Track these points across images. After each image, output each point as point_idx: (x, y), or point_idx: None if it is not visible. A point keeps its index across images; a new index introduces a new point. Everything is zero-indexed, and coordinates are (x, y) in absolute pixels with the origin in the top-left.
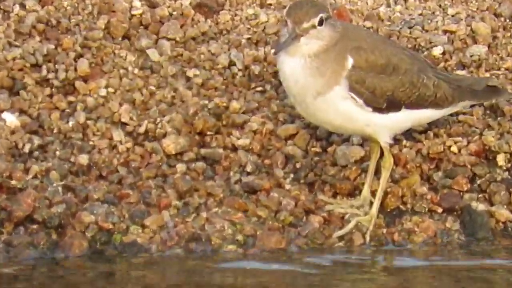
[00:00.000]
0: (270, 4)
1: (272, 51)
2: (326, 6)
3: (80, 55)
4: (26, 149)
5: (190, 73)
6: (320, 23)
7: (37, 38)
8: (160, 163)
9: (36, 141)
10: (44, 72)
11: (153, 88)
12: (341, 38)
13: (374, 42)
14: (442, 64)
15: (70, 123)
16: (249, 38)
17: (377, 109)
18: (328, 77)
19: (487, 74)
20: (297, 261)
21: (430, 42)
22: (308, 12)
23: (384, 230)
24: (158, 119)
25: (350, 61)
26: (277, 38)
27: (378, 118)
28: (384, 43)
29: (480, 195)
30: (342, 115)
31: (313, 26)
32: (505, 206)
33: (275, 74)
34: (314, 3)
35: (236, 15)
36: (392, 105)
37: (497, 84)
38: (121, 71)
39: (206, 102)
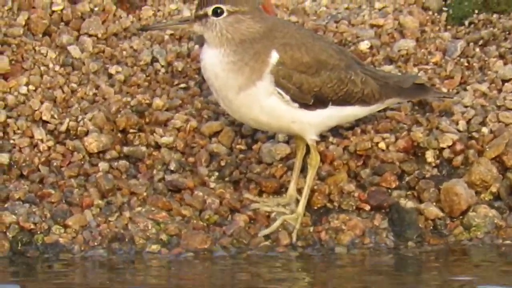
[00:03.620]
0: None
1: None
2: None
3: (0, 52)
4: None
5: (112, 70)
6: (217, 14)
7: None
8: (82, 162)
9: None
10: None
11: (74, 85)
12: (265, 34)
13: (303, 38)
14: (369, 59)
15: None
16: (171, 34)
17: (304, 106)
18: (247, 72)
19: (415, 69)
20: None
21: (357, 37)
22: (206, 1)
23: (311, 229)
24: (80, 117)
25: (275, 58)
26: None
27: (305, 114)
28: (313, 39)
29: (408, 192)
30: (267, 111)
31: (205, 15)
32: (434, 204)
33: (199, 70)
34: None
35: (158, 10)
36: (319, 101)
37: (424, 82)
38: (42, 68)
39: (129, 99)
